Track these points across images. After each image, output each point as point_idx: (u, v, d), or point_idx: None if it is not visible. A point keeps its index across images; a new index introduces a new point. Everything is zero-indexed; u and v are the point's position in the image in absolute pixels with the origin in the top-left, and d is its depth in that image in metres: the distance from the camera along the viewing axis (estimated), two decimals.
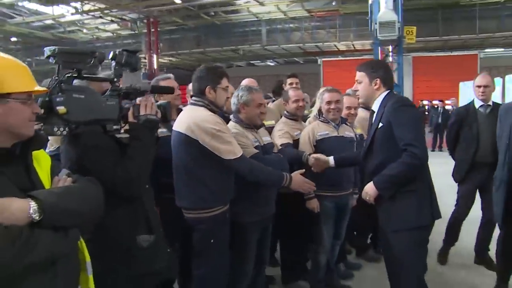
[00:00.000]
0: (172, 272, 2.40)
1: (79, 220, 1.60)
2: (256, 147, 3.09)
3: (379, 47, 13.41)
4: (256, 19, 25.75)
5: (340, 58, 27.93)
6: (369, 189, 2.79)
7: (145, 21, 25.79)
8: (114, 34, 28.90)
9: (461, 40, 23.16)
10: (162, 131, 2.91)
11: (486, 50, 26.26)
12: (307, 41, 25.39)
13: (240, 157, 2.77)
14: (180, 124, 2.81)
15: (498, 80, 12.43)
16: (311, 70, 26.98)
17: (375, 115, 2.90)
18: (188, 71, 4.32)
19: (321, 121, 3.80)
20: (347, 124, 3.94)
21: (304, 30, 25.30)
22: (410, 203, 2.70)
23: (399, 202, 2.72)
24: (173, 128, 2.86)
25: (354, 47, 25.96)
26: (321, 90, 4.08)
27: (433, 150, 14.60)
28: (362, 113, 4.27)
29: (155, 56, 26.16)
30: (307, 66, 29.62)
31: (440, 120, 14.72)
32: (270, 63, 32.80)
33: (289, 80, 5.12)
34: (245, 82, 4.24)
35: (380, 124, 2.78)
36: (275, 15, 25.04)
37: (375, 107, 2.90)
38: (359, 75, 2.94)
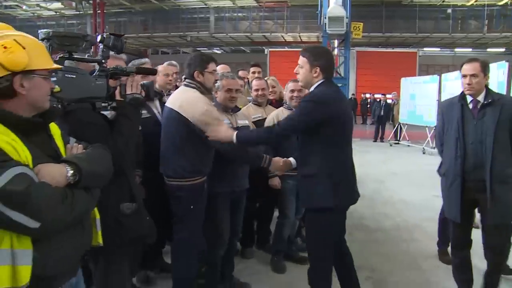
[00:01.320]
0: (152, 237, 2.62)
1: (101, 182, 1.86)
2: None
3: (327, 41, 13.86)
4: (204, 6, 25.65)
5: (286, 49, 28.39)
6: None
7: (90, 1, 24.93)
8: (57, 13, 27.70)
9: (402, 38, 24.32)
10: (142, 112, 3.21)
11: (425, 49, 27.69)
12: (254, 30, 25.60)
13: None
14: (173, 101, 3.15)
15: (435, 78, 13.30)
16: (257, 59, 27.13)
17: None
18: (133, 55, 4.34)
19: (285, 107, 4.19)
20: None
21: (252, 20, 25.48)
22: (318, 185, 2.86)
23: (309, 182, 2.92)
24: (166, 104, 3.24)
25: (301, 39, 26.49)
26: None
27: (375, 141, 15.44)
28: None
29: None
30: (254, 55, 29.81)
31: (382, 113, 15.53)
32: (217, 51, 32.73)
33: (252, 69, 5.39)
34: (218, 68, 4.45)
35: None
36: (224, 3, 25.11)
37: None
38: (302, 60, 2.99)
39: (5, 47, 1.57)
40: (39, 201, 1.53)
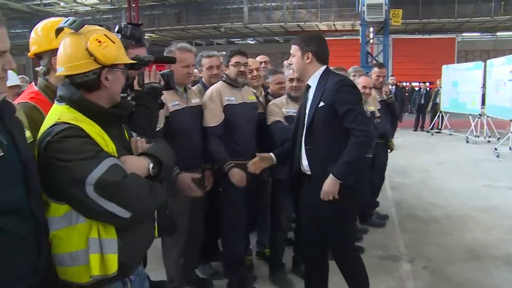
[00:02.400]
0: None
1: (171, 175, 1.89)
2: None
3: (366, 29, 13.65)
4: None
5: None
6: (329, 186, 2.69)
7: None
8: (93, 8, 28.18)
9: (440, 23, 23.58)
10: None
11: (464, 34, 26.83)
12: (288, 20, 25.37)
13: (210, 127, 3.31)
14: None
15: (479, 64, 12.88)
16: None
17: (312, 91, 2.88)
18: (163, 47, 4.44)
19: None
20: None
21: (286, 9, 25.26)
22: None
23: None
24: None
25: (335, 28, 26.12)
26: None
27: (415, 130, 15.13)
28: (372, 92, 4.62)
29: None
30: (287, 45, 29.45)
31: (423, 101, 15.18)
32: (250, 41, 32.67)
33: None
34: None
35: (322, 103, 2.76)
36: None
37: (312, 82, 2.89)
38: (293, 48, 2.91)
39: (99, 41, 1.63)
40: (132, 192, 1.60)
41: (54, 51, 1.98)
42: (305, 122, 2.86)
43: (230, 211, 3.47)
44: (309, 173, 2.88)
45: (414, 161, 9.23)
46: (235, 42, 32.93)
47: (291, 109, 3.63)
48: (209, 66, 3.68)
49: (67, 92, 1.66)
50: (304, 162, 2.89)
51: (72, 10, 28.56)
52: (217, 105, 3.34)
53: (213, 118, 3.33)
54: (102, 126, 1.67)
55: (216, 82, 3.53)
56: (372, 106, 4.63)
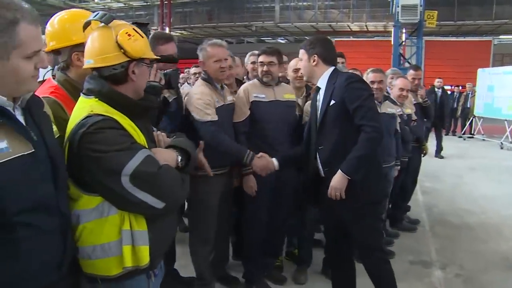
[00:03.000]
0: None
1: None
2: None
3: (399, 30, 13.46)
4: None
5: (351, 38, 27.82)
6: (337, 183, 2.66)
7: None
8: (126, 5, 28.68)
9: (476, 25, 22.99)
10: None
11: (501, 37, 26.11)
12: (320, 20, 25.22)
13: (235, 123, 3.33)
14: None
15: None
16: None
17: (322, 92, 2.86)
18: (195, 45, 4.36)
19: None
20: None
21: (318, 9, 25.13)
22: (370, 176, 2.76)
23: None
24: None
25: (367, 28, 25.83)
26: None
27: (447, 134, 14.76)
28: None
29: (167, 28, 25.99)
30: None
31: (455, 105, 14.83)
32: (281, 40, 32.62)
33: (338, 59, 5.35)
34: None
35: (332, 101, 2.75)
36: None
37: (321, 83, 2.87)
38: (300, 52, 2.93)
39: (129, 35, 1.66)
40: (167, 183, 1.64)
41: (74, 47, 2.02)
42: (317, 123, 2.86)
43: (251, 212, 3.50)
44: (323, 175, 2.85)
45: (446, 166, 9.05)
46: (266, 41, 32.97)
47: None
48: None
49: (97, 85, 1.69)
50: (319, 164, 2.88)
51: (106, 7, 29.08)
52: (242, 102, 3.38)
53: (238, 114, 3.38)
54: (131, 118, 1.70)
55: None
56: (409, 109, 4.56)
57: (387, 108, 4.12)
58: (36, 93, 1.58)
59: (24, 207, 1.34)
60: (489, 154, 10.98)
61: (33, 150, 1.38)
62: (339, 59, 5.18)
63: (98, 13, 1.71)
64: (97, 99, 1.67)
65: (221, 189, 3.30)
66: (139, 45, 1.69)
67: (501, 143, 12.10)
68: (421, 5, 12.41)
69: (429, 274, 4.00)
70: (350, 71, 4.99)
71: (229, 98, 3.41)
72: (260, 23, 26.16)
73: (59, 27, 2.08)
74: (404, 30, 14.68)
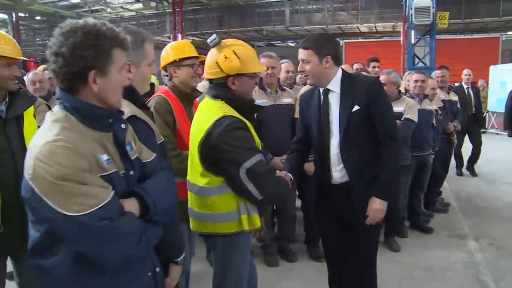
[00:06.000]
0: None
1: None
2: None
3: (412, 31, 13.96)
4: None
5: (360, 39, 28.32)
6: (381, 208, 2.61)
7: (170, 0, 26.19)
8: (138, 14, 29.26)
9: (483, 23, 23.43)
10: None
11: (509, 33, 26.47)
12: (329, 22, 25.74)
13: None
14: None
15: None
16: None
17: (335, 95, 2.64)
18: (206, 51, 4.80)
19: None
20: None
21: (327, 12, 25.66)
22: None
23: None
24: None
25: (376, 29, 26.32)
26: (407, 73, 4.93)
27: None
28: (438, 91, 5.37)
29: (179, 36, 26.59)
30: None
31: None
32: (290, 43, 33.19)
33: (372, 64, 5.90)
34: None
35: (356, 107, 2.56)
36: None
37: (334, 87, 2.64)
38: (306, 53, 2.59)
39: (226, 57, 2.22)
40: (268, 183, 2.24)
41: (171, 63, 2.87)
42: (337, 129, 2.62)
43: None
44: (338, 183, 2.70)
45: (464, 158, 9.56)
46: (276, 44, 33.55)
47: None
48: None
49: (221, 92, 2.29)
50: (336, 173, 2.68)
51: (118, 16, 29.68)
52: None
53: None
54: (249, 119, 2.30)
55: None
56: (435, 104, 5.20)
57: (426, 105, 4.81)
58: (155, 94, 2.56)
59: None
60: (504, 147, 11.46)
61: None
62: (374, 63, 5.83)
63: (211, 36, 2.28)
64: (223, 102, 2.28)
65: None
66: (233, 65, 2.19)
67: None
68: (433, 7, 12.91)
69: (465, 244, 4.64)
70: (354, 64, 5.72)
71: (285, 100, 4.09)
72: (271, 27, 26.72)
73: (164, 51, 2.94)
74: (413, 31, 15.14)
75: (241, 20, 27.05)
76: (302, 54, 2.61)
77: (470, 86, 7.91)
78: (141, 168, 1.62)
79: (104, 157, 1.44)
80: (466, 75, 7.96)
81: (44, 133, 1.39)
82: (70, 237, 1.34)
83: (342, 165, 2.64)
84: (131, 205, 1.47)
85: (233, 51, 2.20)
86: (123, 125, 1.58)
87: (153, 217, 1.52)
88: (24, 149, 2.36)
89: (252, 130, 2.27)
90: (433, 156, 5.07)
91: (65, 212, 1.29)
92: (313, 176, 3.03)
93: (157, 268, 1.68)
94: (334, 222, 2.84)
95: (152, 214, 1.51)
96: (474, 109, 7.75)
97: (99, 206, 1.33)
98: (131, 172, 1.57)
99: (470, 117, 7.62)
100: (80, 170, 1.32)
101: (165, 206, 1.59)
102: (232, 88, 2.27)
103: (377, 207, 2.59)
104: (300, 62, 2.64)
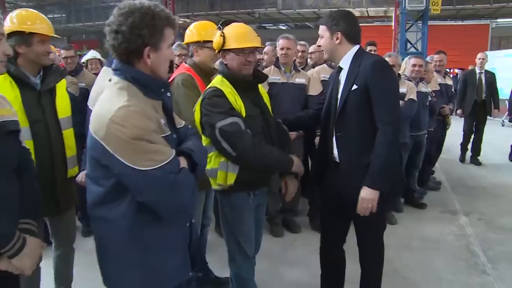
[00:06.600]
0: None
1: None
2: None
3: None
4: None
5: None
6: (369, 197, 2.42)
7: None
8: None
9: (474, 9, 23.65)
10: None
11: (498, 20, 26.75)
12: (321, 6, 25.76)
13: None
14: None
15: None
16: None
17: (344, 73, 2.59)
18: None
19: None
20: None
21: None
22: None
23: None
24: None
25: (368, 14, 26.43)
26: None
27: (451, 114, 15.58)
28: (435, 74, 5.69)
29: None
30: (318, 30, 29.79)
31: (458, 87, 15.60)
32: (282, 26, 33.17)
33: (369, 48, 6.05)
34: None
35: (355, 86, 2.47)
36: None
37: (344, 64, 2.59)
38: (321, 29, 2.61)
39: (221, 35, 2.49)
40: (239, 141, 2.38)
41: (195, 42, 3.09)
42: (337, 107, 2.57)
43: None
44: (337, 161, 2.62)
45: (454, 140, 9.86)
46: (267, 27, 33.50)
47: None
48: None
49: (221, 67, 2.57)
50: (335, 150, 2.61)
51: None
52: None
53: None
54: (241, 90, 2.50)
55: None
56: (432, 87, 5.50)
57: (421, 88, 5.08)
58: (176, 72, 2.86)
59: None
60: (492, 131, 11.77)
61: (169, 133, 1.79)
62: (370, 47, 6.01)
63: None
64: (222, 76, 2.54)
65: None
66: (216, 41, 2.48)
67: (503, 121, 13.01)
68: None
69: (457, 219, 4.98)
70: None
71: (298, 80, 4.38)
72: (263, 10, 26.67)
73: (188, 30, 3.16)
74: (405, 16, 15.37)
75: (232, 3, 26.92)
76: (319, 29, 2.64)
77: (483, 71, 7.55)
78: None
79: (163, 120, 1.69)
80: (479, 58, 7.52)
81: (114, 99, 1.60)
82: (139, 189, 1.57)
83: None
84: (184, 162, 1.71)
85: (222, 31, 2.48)
86: (169, 94, 1.84)
87: (199, 173, 1.78)
88: (56, 119, 2.61)
89: (237, 98, 2.46)
90: (426, 135, 5.34)
91: (137, 167, 1.51)
92: (316, 152, 3.06)
93: (192, 220, 1.93)
94: (333, 201, 2.73)
95: (199, 170, 1.77)
96: (484, 95, 7.57)
97: (166, 161, 1.56)
98: (174, 136, 1.81)
99: (479, 104, 7.55)
100: (151, 131, 1.56)
101: (204, 164, 1.89)
102: (225, 63, 2.53)
103: (364, 195, 2.42)
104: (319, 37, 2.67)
